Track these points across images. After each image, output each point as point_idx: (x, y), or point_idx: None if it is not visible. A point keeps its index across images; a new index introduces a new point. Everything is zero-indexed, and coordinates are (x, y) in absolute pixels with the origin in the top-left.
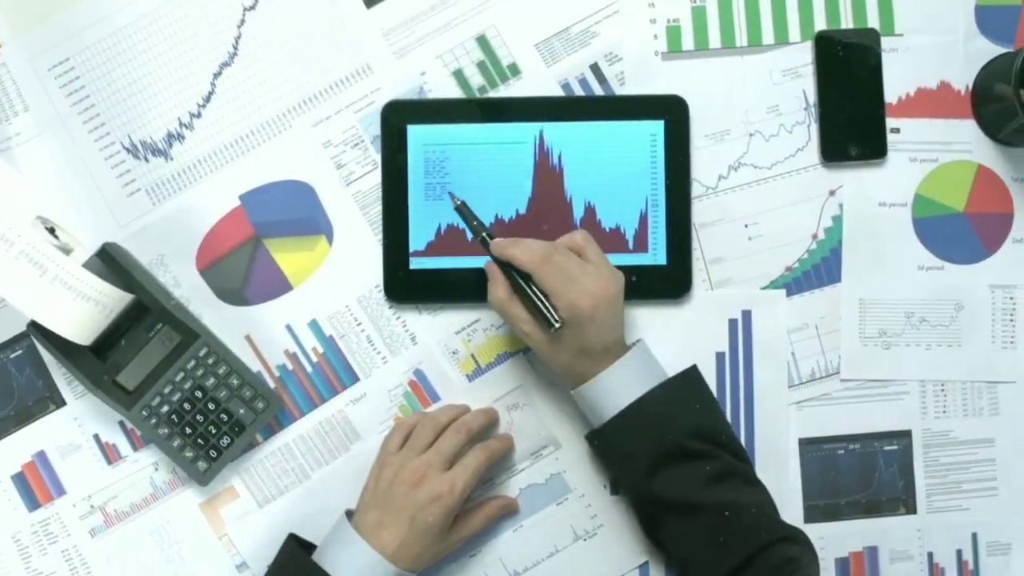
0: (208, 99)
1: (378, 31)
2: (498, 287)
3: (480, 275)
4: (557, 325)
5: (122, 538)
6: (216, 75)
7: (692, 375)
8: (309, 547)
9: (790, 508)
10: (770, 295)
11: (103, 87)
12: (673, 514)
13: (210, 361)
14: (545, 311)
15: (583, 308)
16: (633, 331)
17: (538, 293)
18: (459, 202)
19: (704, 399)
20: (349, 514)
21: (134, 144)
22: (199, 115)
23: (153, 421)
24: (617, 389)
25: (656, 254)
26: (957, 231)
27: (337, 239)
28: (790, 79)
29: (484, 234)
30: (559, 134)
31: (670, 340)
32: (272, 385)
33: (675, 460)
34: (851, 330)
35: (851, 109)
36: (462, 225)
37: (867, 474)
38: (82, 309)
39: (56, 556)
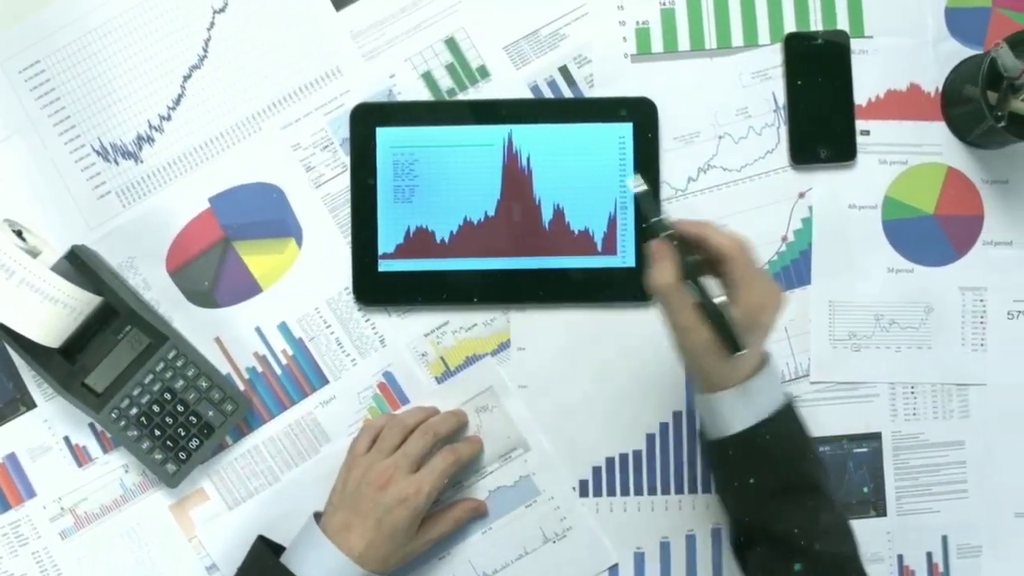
0: (178, 101)
1: (347, 33)
2: (667, 269)
3: (448, 277)
4: (741, 351)
5: (92, 540)
6: (186, 77)
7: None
8: (278, 549)
9: None
10: None
11: (73, 90)
12: (770, 545)
13: (179, 363)
14: (720, 325)
15: (770, 308)
16: (604, 334)
17: (719, 305)
18: (644, 189)
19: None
20: (317, 516)
21: (104, 147)
22: (169, 118)
23: (122, 423)
24: (758, 400)
25: (625, 256)
26: (927, 233)
27: (306, 241)
28: (759, 81)
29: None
30: (528, 136)
31: (639, 343)
32: (241, 387)
33: (796, 492)
34: (821, 332)
35: (820, 111)
36: (431, 227)
37: (837, 476)
38: (50, 312)
39: (27, 558)
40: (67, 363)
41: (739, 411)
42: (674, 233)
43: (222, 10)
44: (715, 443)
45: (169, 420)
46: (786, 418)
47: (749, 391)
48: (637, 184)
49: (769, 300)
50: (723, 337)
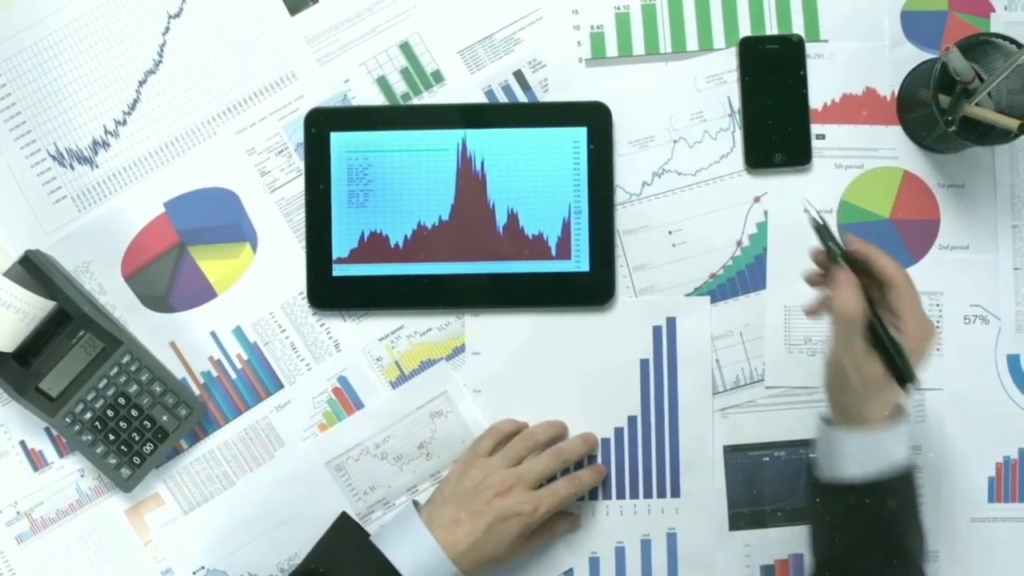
0: (133, 107)
1: (302, 38)
2: (855, 297)
3: (403, 282)
4: (913, 384)
5: (48, 545)
6: (141, 83)
7: None
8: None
9: (714, 516)
10: (694, 302)
11: (29, 95)
12: None
13: (133, 368)
14: (899, 356)
15: (928, 341)
16: (558, 338)
17: (890, 333)
18: (822, 223)
19: None
20: (416, 506)
21: (60, 152)
22: (124, 123)
23: (77, 428)
24: (883, 452)
25: (579, 261)
26: (883, 237)
27: (261, 246)
28: (714, 85)
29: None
30: (482, 141)
31: (594, 347)
32: (197, 392)
33: (887, 556)
34: (776, 337)
35: (776, 116)
36: (385, 232)
37: (792, 481)
38: (3, 317)
39: None
40: (21, 368)
41: (860, 457)
42: (845, 254)
43: (177, 15)
44: (826, 484)
45: (123, 424)
46: (904, 483)
47: (880, 439)
48: (812, 215)
49: (928, 332)
50: (894, 369)
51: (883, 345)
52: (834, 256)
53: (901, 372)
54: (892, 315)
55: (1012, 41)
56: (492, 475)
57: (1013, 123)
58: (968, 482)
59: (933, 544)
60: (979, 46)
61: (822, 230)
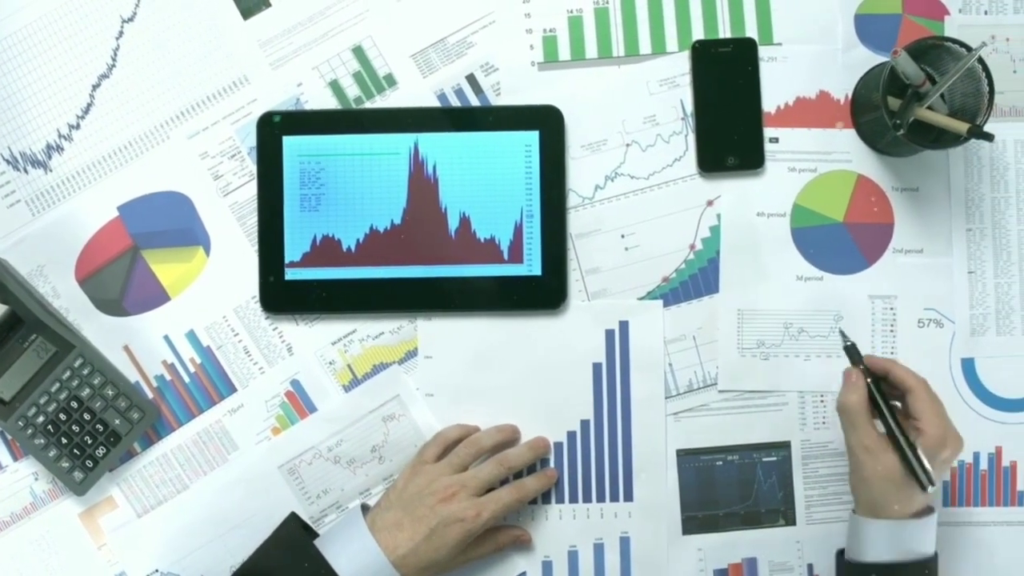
0: (87, 111)
1: (255, 42)
2: (855, 392)
3: (355, 286)
4: (931, 487)
5: (2, 548)
6: (95, 87)
7: None
8: (309, 530)
9: (668, 520)
10: (647, 306)
11: None
12: None
13: (85, 372)
14: (918, 464)
15: (950, 447)
16: (511, 342)
17: (905, 432)
18: (850, 343)
19: None
20: (364, 509)
21: (13, 155)
22: (78, 126)
23: (29, 431)
24: (906, 544)
25: (531, 265)
26: (837, 241)
27: (214, 250)
28: (667, 89)
29: (852, 343)
30: (434, 145)
31: (546, 351)
32: (150, 395)
33: None
34: (729, 341)
35: (729, 119)
36: (337, 236)
37: (746, 485)
38: None
39: None
40: None
41: (880, 545)
42: (863, 364)
43: (131, 19)
44: (851, 563)
45: (76, 428)
46: (925, 570)
47: (902, 531)
48: (844, 338)
49: (950, 440)
50: (911, 471)
51: (900, 447)
52: (849, 355)
53: (917, 474)
54: (913, 419)
55: (962, 44)
56: (436, 481)
57: (962, 126)
58: None
59: None
60: (931, 50)
61: (850, 349)
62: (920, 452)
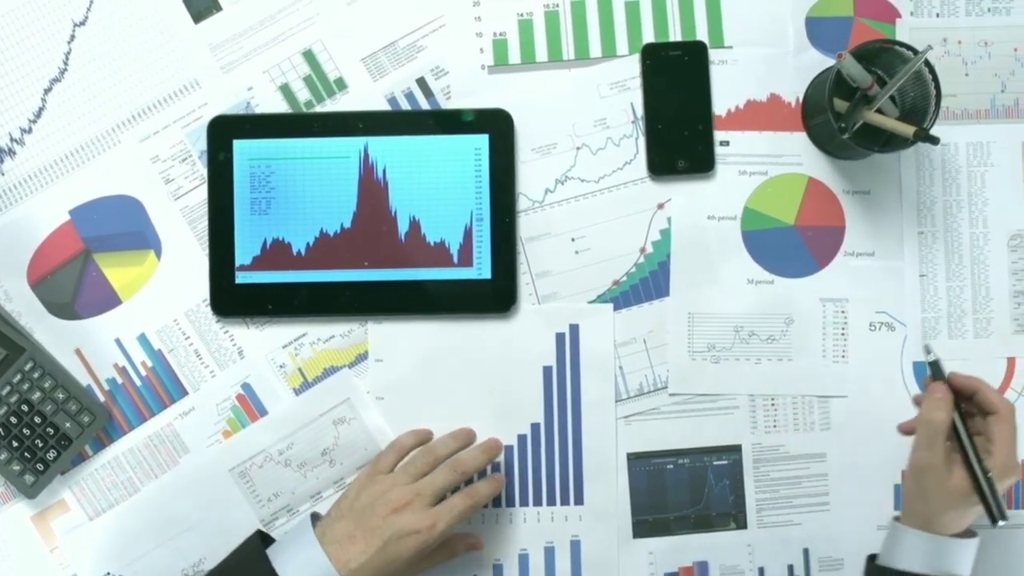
0: (39, 115)
1: (206, 46)
2: (942, 410)
3: (305, 289)
4: (1001, 522)
5: None
6: (47, 91)
7: None
8: (272, 542)
9: (618, 523)
10: (597, 309)
11: None
12: None
13: (36, 375)
14: (993, 498)
15: (1013, 475)
16: (461, 345)
17: (985, 468)
18: (936, 358)
19: None
20: (315, 517)
21: None
22: (30, 130)
23: None
24: (943, 559)
25: (481, 268)
26: (787, 244)
27: (165, 253)
28: (618, 92)
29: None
30: (384, 148)
31: (497, 354)
32: (102, 399)
33: None
34: (679, 344)
35: (679, 122)
36: (287, 239)
37: (697, 489)
38: None
39: None
40: None
41: (917, 555)
42: (949, 380)
43: (82, 23)
44: (884, 568)
45: (26, 431)
46: None
47: (943, 546)
48: (929, 353)
49: (1013, 470)
50: (982, 500)
51: (974, 473)
52: (934, 370)
53: (989, 506)
54: (986, 441)
55: (909, 48)
56: (390, 491)
57: (908, 129)
58: (874, 489)
59: (838, 551)
60: (882, 52)
61: (934, 365)
62: (996, 487)
